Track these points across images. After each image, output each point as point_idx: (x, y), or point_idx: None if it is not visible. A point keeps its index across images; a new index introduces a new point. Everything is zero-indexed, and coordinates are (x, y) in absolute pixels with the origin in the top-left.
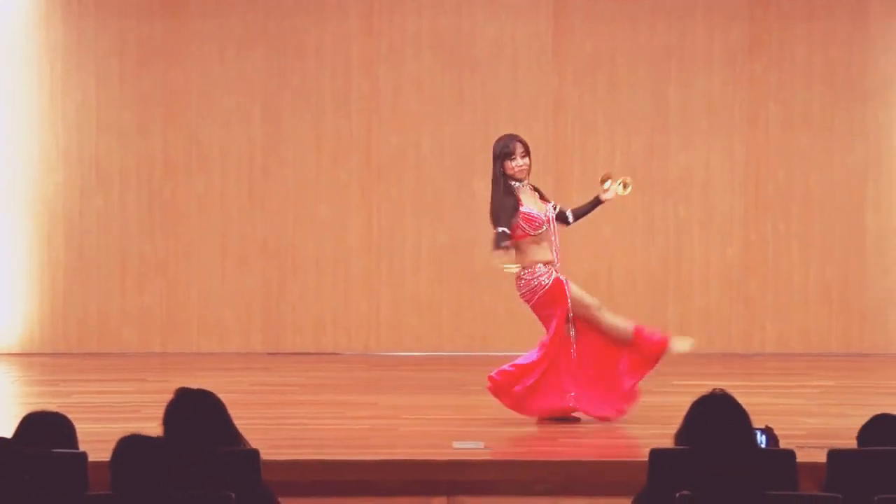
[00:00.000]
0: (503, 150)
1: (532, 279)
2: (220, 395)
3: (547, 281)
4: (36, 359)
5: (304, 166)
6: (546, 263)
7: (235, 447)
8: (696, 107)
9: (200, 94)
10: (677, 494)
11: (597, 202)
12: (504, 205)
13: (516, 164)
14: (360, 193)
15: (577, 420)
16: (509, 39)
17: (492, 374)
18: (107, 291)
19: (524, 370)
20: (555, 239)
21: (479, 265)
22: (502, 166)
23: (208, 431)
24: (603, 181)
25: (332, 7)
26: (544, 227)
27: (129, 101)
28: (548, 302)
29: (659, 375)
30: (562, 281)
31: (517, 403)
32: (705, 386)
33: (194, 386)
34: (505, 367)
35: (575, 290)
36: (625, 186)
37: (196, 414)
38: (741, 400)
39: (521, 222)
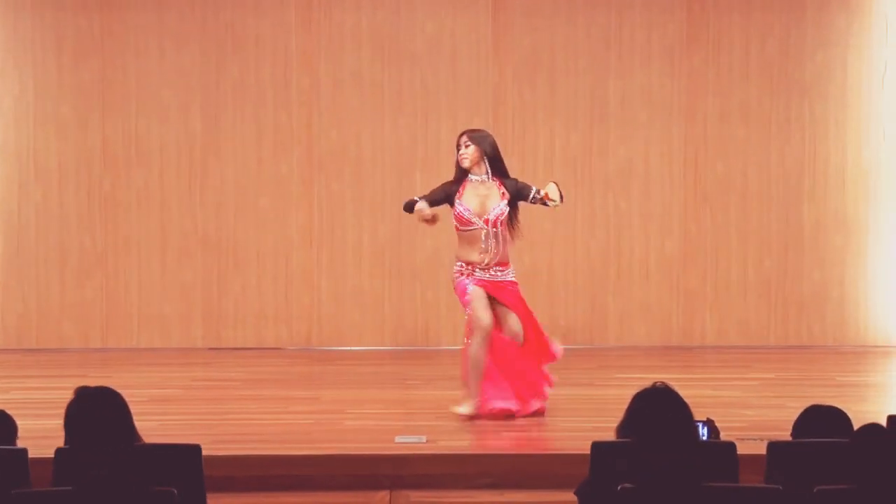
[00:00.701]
0: (456, 144)
1: (455, 271)
2: (161, 391)
3: (456, 277)
4: None
5: (245, 160)
6: (466, 262)
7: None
8: (635, 100)
9: (139, 88)
10: (619, 487)
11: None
12: (438, 187)
13: (460, 153)
14: (301, 187)
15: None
16: (448, 34)
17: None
18: (46, 286)
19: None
20: (490, 241)
21: (420, 258)
22: (457, 158)
23: (109, 430)
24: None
25: (269, 0)
26: (473, 228)
27: (67, 94)
28: (458, 297)
29: (601, 368)
30: (463, 284)
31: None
32: (646, 379)
33: (99, 384)
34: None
35: (475, 293)
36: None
37: (98, 413)
38: (681, 392)
39: (453, 217)
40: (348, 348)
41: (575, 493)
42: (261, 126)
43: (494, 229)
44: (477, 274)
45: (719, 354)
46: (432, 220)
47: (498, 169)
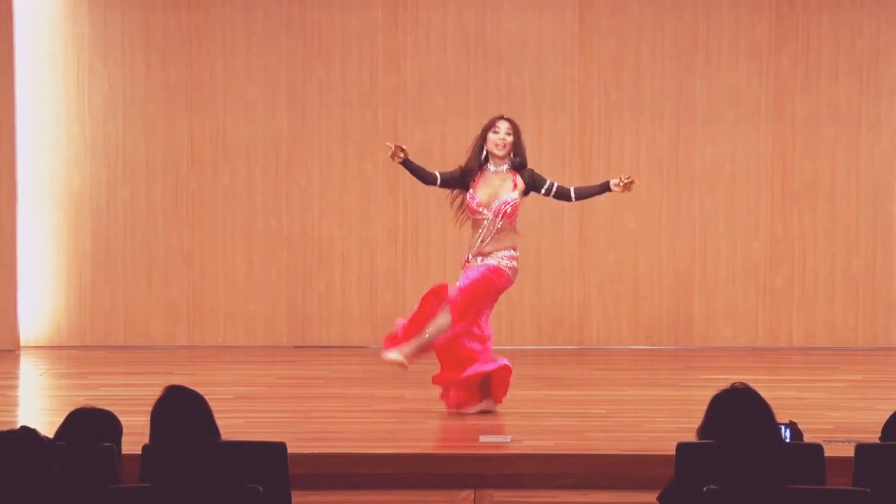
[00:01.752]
0: (488, 125)
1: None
2: (246, 389)
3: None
4: (63, 351)
5: (330, 159)
6: (470, 249)
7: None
8: (722, 100)
9: (226, 86)
10: (705, 489)
11: (605, 188)
12: (457, 169)
13: (498, 137)
14: (385, 186)
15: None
16: (534, 33)
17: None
18: (133, 284)
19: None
20: (489, 230)
21: None
22: (484, 139)
23: (190, 428)
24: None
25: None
26: (477, 216)
27: (155, 93)
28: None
29: (686, 369)
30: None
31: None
32: (732, 380)
33: (184, 381)
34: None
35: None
36: (626, 185)
37: (179, 410)
38: (767, 394)
39: (464, 204)
40: None
41: (658, 500)
42: (346, 125)
43: (496, 219)
44: (472, 261)
45: (806, 356)
46: (395, 154)
47: (517, 162)
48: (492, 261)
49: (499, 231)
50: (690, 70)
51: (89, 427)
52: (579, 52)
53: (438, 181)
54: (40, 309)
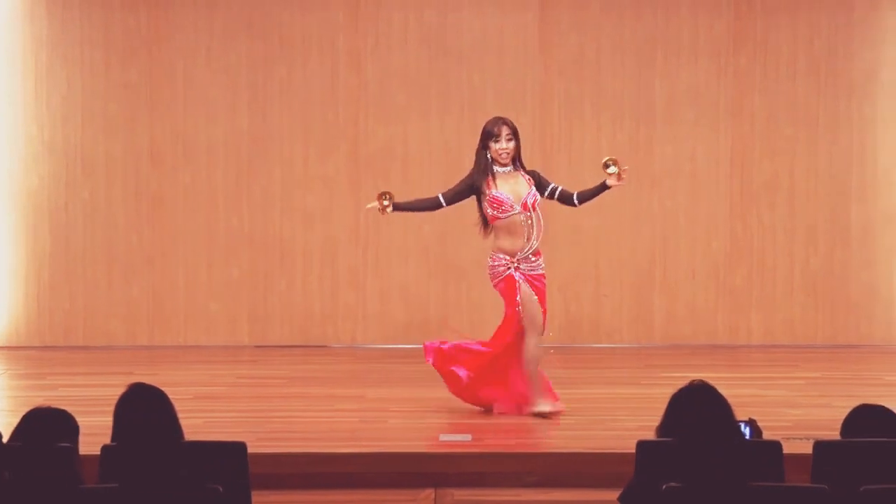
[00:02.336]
0: (488, 132)
1: (493, 265)
2: (207, 388)
3: (503, 272)
4: (22, 352)
5: (291, 158)
6: (509, 253)
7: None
8: (682, 99)
9: (186, 86)
10: (664, 486)
11: (603, 187)
12: (460, 182)
13: (499, 146)
14: (347, 185)
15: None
16: (495, 31)
17: (436, 344)
18: (93, 284)
19: (473, 357)
20: (531, 226)
21: (466, 257)
22: (486, 147)
23: (154, 426)
24: (606, 166)
25: None
26: (512, 213)
27: (115, 92)
28: (502, 291)
29: (647, 367)
30: (514, 279)
31: (461, 390)
32: (692, 378)
33: (145, 381)
34: (453, 344)
35: (526, 294)
36: (616, 169)
37: (144, 408)
38: (727, 392)
39: (488, 206)
40: (394, 346)
41: (619, 500)
42: (308, 124)
43: (532, 213)
44: (522, 267)
45: (765, 354)
46: (382, 208)
47: (520, 159)
48: (541, 269)
49: (540, 226)
50: (650, 69)
51: (46, 427)
52: (540, 51)
53: (444, 203)
54: None
